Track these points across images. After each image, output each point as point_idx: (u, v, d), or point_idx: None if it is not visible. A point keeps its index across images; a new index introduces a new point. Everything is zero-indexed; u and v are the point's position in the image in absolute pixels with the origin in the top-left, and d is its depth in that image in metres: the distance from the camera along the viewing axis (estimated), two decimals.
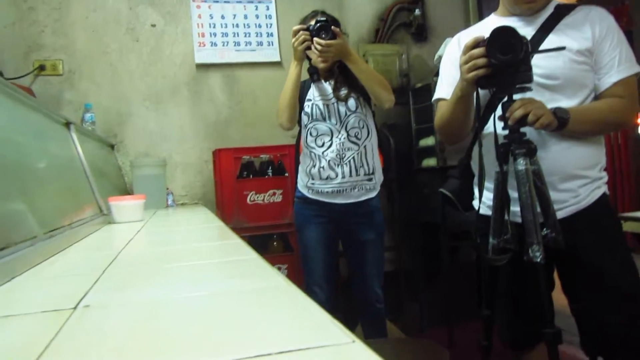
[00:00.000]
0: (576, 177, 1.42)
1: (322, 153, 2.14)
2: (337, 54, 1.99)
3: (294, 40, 2.02)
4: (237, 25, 3.30)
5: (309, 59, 2.15)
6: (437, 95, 1.64)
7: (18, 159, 1.26)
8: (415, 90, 3.32)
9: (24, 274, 0.90)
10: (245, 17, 3.32)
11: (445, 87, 1.60)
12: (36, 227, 1.12)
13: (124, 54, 3.14)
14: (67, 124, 1.94)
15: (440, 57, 3.20)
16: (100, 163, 2.50)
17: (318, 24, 1.96)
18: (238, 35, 3.30)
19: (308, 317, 0.52)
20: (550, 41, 1.42)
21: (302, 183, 2.25)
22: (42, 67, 2.97)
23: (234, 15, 3.30)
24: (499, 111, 1.40)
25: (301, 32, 2.00)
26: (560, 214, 1.39)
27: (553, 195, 1.37)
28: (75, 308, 0.63)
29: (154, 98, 3.17)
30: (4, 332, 0.56)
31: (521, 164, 1.34)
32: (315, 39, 1.96)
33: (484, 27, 1.49)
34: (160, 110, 3.18)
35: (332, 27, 1.96)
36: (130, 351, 0.46)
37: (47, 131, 1.71)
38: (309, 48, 2.02)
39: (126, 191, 2.92)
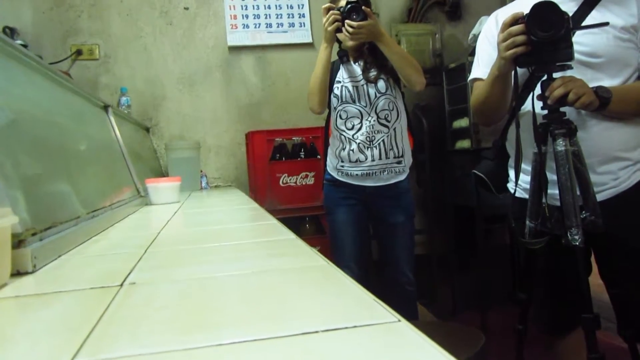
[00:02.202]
0: (616, 159, 1.38)
1: (352, 136, 2.13)
2: (369, 35, 1.96)
3: (324, 20, 2.00)
4: (269, 7, 3.29)
5: (339, 42, 2.13)
6: (473, 75, 1.61)
7: (61, 141, 1.30)
8: (448, 70, 3.27)
9: (70, 252, 0.93)
10: None
11: (482, 66, 1.57)
12: (79, 208, 1.15)
13: (158, 38, 3.17)
14: (105, 107, 1.98)
15: (474, 36, 3.13)
16: (137, 146, 2.55)
17: (349, 5, 1.93)
18: (270, 17, 3.29)
19: (351, 296, 0.52)
20: (593, 17, 1.37)
21: (332, 165, 2.25)
22: (79, 52, 3.03)
23: None
24: (537, 90, 1.37)
25: (331, 12, 1.97)
26: (599, 197, 1.36)
27: (592, 177, 1.33)
28: (121, 285, 0.65)
29: (187, 81, 3.21)
30: (56, 306, 0.58)
31: (561, 144, 1.31)
32: (346, 20, 1.93)
33: (523, 4, 1.44)
34: (193, 93, 3.21)
35: (363, 7, 1.93)
36: (179, 324, 0.47)
37: (87, 114, 1.75)
38: (339, 30, 1.99)
39: (161, 173, 2.97)
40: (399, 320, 0.42)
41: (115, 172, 1.81)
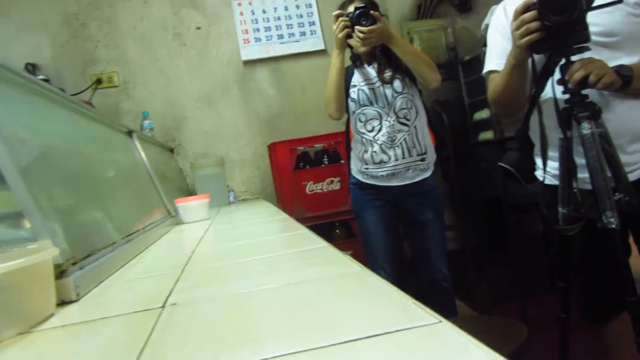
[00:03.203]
0: None
1: (373, 137, 2.13)
2: (380, 38, 1.97)
3: (334, 28, 2.01)
4: (279, 18, 3.32)
5: (350, 47, 2.13)
6: (487, 67, 1.60)
7: (90, 170, 1.33)
8: (464, 63, 3.25)
9: (109, 277, 0.95)
10: (286, 8, 3.33)
11: (495, 58, 1.56)
12: (114, 233, 1.18)
13: (173, 59, 3.23)
14: (130, 133, 2.02)
15: (487, 26, 3.10)
16: (163, 167, 2.59)
17: (357, 11, 1.94)
18: (281, 28, 3.32)
19: (390, 300, 0.53)
20: None
21: (356, 169, 2.26)
22: (99, 81, 3.10)
23: (275, 9, 3.32)
24: (557, 75, 1.35)
25: (341, 19, 1.98)
26: (631, 177, 1.33)
27: (622, 157, 1.31)
28: (163, 306, 0.66)
29: (206, 99, 3.25)
30: (103, 332, 0.60)
31: (586, 127, 1.29)
32: (356, 26, 1.94)
33: None
34: (213, 111, 3.26)
35: (372, 12, 1.93)
36: (223, 341, 0.48)
37: (113, 141, 1.79)
38: (350, 36, 2.00)
39: (189, 192, 3.01)
40: (440, 322, 0.43)
41: (144, 195, 1.84)
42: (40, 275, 0.68)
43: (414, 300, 0.50)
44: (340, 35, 2.00)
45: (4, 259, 0.61)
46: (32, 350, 0.56)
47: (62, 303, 0.76)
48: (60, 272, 0.77)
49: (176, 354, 0.47)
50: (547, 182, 1.48)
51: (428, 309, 0.47)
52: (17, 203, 0.80)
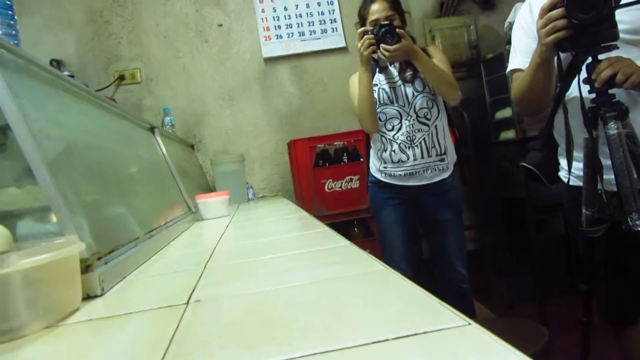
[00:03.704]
0: None
1: (393, 136, 2.12)
2: (405, 55, 1.97)
3: (359, 45, 2.01)
4: (300, 15, 3.32)
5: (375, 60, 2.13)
6: (511, 66, 1.58)
7: (114, 165, 1.34)
8: (486, 61, 3.21)
9: (132, 273, 0.96)
10: (307, 6, 3.33)
11: (520, 57, 1.54)
12: (137, 229, 1.19)
13: (195, 56, 3.25)
14: (152, 129, 2.04)
15: (511, 24, 3.07)
16: (184, 163, 2.61)
17: (383, 29, 1.94)
18: (302, 25, 3.32)
19: (417, 301, 0.52)
20: None
21: (375, 167, 2.25)
22: (122, 77, 3.13)
23: (296, 6, 3.32)
24: (583, 74, 1.33)
25: (365, 37, 1.98)
26: None
27: None
28: (187, 303, 0.67)
29: (227, 96, 3.27)
30: (129, 328, 0.60)
31: (612, 127, 1.27)
32: (382, 45, 1.94)
33: None
34: (233, 107, 3.27)
35: (397, 29, 1.93)
36: (248, 339, 0.49)
37: (135, 137, 1.81)
38: (374, 51, 2.00)
39: (209, 188, 3.03)
40: (469, 324, 0.42)
41: (166, 190, 1.86)
42: (67, 270, 0.69)
43: (440, 301, 0.50)
44: (365, 53, 1.99)
45: (32, 253, 0.62)
46: (59, 345, 0.57)
47: (87, 297, 0.77)
48: (85, 267, 0.78)
49: (202, 352, 0.47)
50: (571, 183, 1.46)
51: (456, 311, 0.46)
52: (44, 197, 0.81)
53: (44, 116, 0.99)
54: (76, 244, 0.72)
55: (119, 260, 0.92)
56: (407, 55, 1.97)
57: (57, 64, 2.95)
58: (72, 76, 2.59)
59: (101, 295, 0.78)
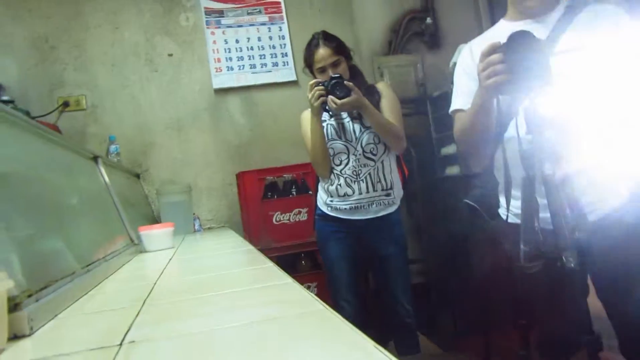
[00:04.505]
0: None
1: (340, 171, 2.15)
2: (352, 108, 2.05)
3: (310, 96, 2.05)
4: (252, 48, 3.35)
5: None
6: (453, 106, 1.63)
7: (52, 197, 1.30)
8: (432, 98, 3.31)
9: (66, 310, 0.92)
10: (259, 39, 3.37)
11: (461, 97, 1.59)
12: (74, 263, 1.14)
13: (144, 85, 3.21)
14: (95, 158, 1.99)
15: (454, 64, 3.17)
16: (128, 193, 2.54)
17: (333, 81, 1.99)
18: (253, 58, 3.35)
19: (352, 343, 0.52)
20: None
21: (322, 201, 2.26)
22: (66, 104, 3.05)
23: (248, 39, 3.35)
24: (521, 115, 1.39)
25: (316, 88, 2.03)
26: (591, 217, 1.37)
27: (582, 198, 1.34)
28: (121, 344, 0.64)
29: (176, 125, 3.23)
30: None
31: (548, 168, 1.33)
32: (330, 97, 2.00)
33: (495, 34, 1.48)
34: (182, 137, 3.23)
35: (345, 83, 1.98)
36: None
37: (77, 166, 1.75)
38: (325, 102, 2.05)
39: (154, 219, 2.96)
40: None
41: (107, 222, 1.80)
42: None
43: (374, 344, 0.50)
44: (315, 104, 2.04)
45: None
46: None
47: (15, 337, 0.73)
48: (14, 305, 0.75)
49: None
50: (510, 220, 1.51)
51: (388, 354, 0.46)
52: None
53: None
54: (4, 281, 0.69)
55: (51, 297, 0.88)
56: (355, 108, 2.04)
57: None
58: (12, 101, 2.51)
59: (30, 335, 0.74)
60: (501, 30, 1.42)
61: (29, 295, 0.80)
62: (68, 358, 0.62)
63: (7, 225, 0.90)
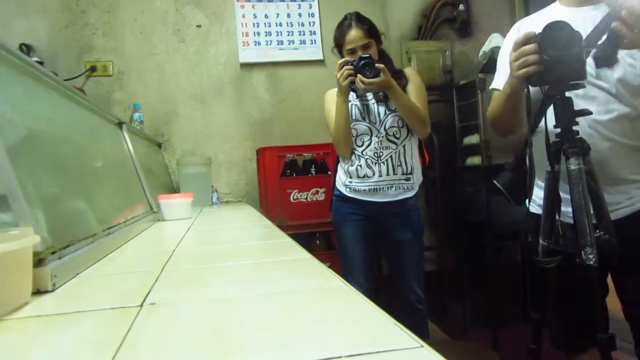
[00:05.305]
0: (628, 181, 1.38)
1: (362, 152, 2.14)
2: (380, 88, 2.03)
3: (338, 75, 2.04)
4: (280, 24, 3.33)
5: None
6: (493, 84, 1.62)
7: (77, 158, 1.31)
8: (459, 87, 3.27)
9: (87, 269, 0.94)
10: (289, 15, 3.34)
11: (502, 77, 1.57)
12: (96, 225, 1.16)
13: (171, 55, 3.21)
14: (120, 124, 2.00)
15: (485, 53, 3.14)
16: (149, 161, 2.57)
17: (362, 61, 1.98)
18: (281, 34, 3.33)
19: (372, 320, 0.52)
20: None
21: (341, 181, 2.26)
22: (93, 69, 3.07)
23: (277, 14, 3.33)
24: (551, 109, 1.37)
25: (345, 67, 2.02)
26: (613, 216, 1.35)
27: (606, 196, 1.33)
28: (141, 305, 0.65)
29: (199, 97, 3.24)
30: (78, 327, 0.59)
31: (574, 163, 1.31)
32: (359, 76, 1.98)
33: (547, 16, 1.44)
34: (205, 110, 3.24)
35: (375, 64, 1.97)
36: (202, 349, 0.48)
37: (102, 130, 1.77)
38: (353, 82, 2.03)
39: (173, 189, 2.99)
40: (422, 346, 0.43)
41: (129, 188, 1.82)
42: (19, 263, 0.67)
43: (395, 322, 0.50)
44: (344, 83, 2.03)
45: None
46: (3, 339, 0.55)
47: (38, 292, 0.74)
48: (38, 260, 0.76)
49: (152, 359, 0.46)
50: (532, 209, 1.49)
51: (410, 333, 0.46)
52: (1, 186, 0.79)
53: (8, 101, 0.96)
54: (30, 236, 0.70)
55: (74, 256, 0.90)
56: (383, 88, 2.02)
57: (27, 48, 2.88)
58: (41, 63, 2.53)
59: (52, 291, 0.76)
60: (553, 15, 1.38)
61: (53, 252, 0.82)
62: (90, 315, 0.63)
63: (36, 182, 0.91)
